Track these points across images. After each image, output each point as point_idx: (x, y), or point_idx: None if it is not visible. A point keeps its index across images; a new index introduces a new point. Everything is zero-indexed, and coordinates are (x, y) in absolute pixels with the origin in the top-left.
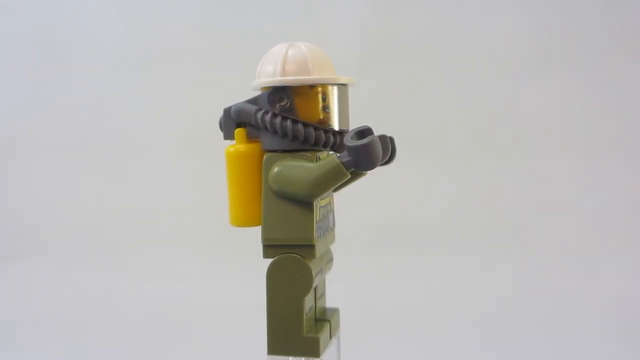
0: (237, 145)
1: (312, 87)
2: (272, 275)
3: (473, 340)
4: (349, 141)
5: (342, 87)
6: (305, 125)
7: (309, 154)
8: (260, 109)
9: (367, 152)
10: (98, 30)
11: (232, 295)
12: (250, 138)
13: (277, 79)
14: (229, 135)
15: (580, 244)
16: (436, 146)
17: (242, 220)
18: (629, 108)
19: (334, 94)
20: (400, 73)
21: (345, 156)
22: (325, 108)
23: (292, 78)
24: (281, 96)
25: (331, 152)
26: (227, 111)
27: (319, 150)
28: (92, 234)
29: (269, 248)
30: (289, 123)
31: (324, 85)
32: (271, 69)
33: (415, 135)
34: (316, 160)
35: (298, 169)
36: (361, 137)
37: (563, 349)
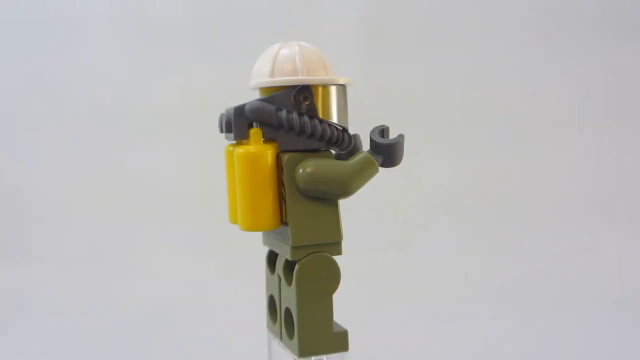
0: (252, 146)
1: (325, 86)
2: (303, 276)
3: (469, 319)
4: (378, 139)
5: (341, 86)
6: (329, 124)
7: (328, 153)
8: (280, 109)
9: (396, 151)
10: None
11: (233, 296)
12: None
13: (300, 78)
14: (241, 135)
15: (575, 221)
16: (429, 140)
17: (257, 224)
18: (623, 89)
19: (334, 93)
20: (389, 68)
21: (374, 153)
22: (329, 107)
23: (320, 77)
24: (306, 95)
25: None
26: (239, 110)
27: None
28: (92, 233)
29: (298, 249)
30: (317, 122)
31: (328, 85)
32: (290, 68)
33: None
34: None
35: (336, 167)
36: (382, 136)
37: (568, 324)
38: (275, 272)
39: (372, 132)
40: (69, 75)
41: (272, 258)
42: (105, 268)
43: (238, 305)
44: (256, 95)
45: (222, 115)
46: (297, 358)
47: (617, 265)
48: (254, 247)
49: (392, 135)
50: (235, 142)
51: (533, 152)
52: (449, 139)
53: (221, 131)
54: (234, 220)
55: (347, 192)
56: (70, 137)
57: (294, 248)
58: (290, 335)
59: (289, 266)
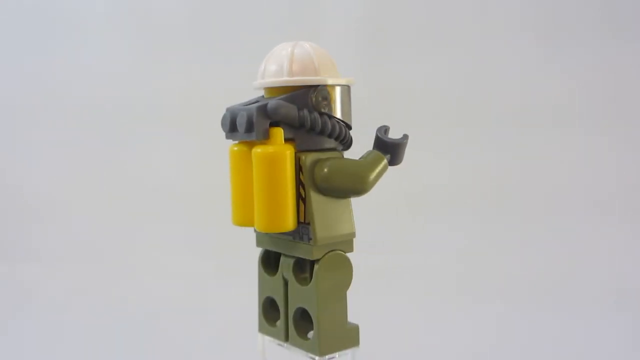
0: (273, 146)
1: (336, 86)
2: (324, 274)
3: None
4: (387, 138)
5: (347, 85)
6: (343, 124)
7: (339, 152)
8: (301, 108)
9: (402, 150)
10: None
11: (233, 296)
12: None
13: (322, 78)
14: (263, 135)
15: (576, 219)
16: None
17: (278, 225)
18: (623, 89)
19: (343, 92)
20: (389, 68)
21: (382, 152)
22: (340, 106)
23: (337, 78)
24: (324, 95)
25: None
26: (261, 109)
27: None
28: (92, 233)
29: (319, 248)
30: (335, 122)
31: (337, 85)
32: (309, 68)
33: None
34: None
35: (354, 166)
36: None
37: (570, 323)
38: (279, 273)
39: (379, 131)
40: (68, 75)
41: (269, 259)
42: (105, 268)
43: (238, 305)
44: (256, 95)
45: (226, 115)
46: (313, 357)
47: (618, 264)
48: (254, 247)
49: (391, 134)
50: (237, 141)
51: (533, 151)
52: (449, 139)
53: (230, 131)
54: (238, 222)
55: (364, 189)
56: (70, 137)
57: (317, 247)
58: (303, 335)
59: (301, 266)
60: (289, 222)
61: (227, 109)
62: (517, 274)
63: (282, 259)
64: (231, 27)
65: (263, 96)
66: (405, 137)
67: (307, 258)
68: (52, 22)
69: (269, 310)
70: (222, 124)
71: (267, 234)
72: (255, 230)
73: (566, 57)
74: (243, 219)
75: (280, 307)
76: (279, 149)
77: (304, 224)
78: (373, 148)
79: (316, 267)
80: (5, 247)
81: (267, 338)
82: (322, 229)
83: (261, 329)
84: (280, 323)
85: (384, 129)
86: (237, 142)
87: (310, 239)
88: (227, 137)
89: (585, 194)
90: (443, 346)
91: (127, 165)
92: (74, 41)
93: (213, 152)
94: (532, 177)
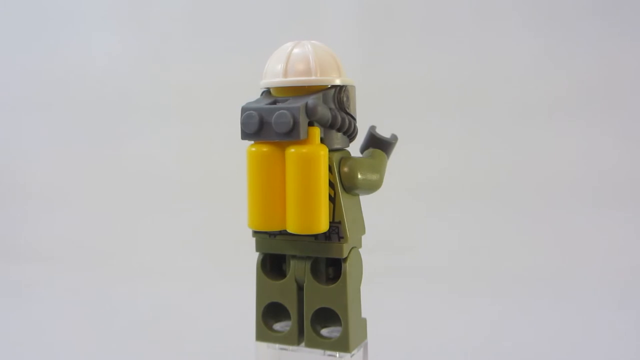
0: (311, 146)
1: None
2: (351, 271)
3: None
4: (384, 137)
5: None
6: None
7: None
8: (331, 108)
9: (393, 148)
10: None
11: (234, 298)
12: None
13: (346, 79)
14: (304, 135)
15: (577, 211)
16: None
17: (318, 226)
18: (622, 81)
19: (352, 91)
20: (388, 67)
21: (379, 149)
22: (354, 105)
23: (350, 78)
24: (347, 95)
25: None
26: (303, 109)
27: None
28: (92, 232)
29: (347, 246)
30: (354, 121)
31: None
32: (332, 68)
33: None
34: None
35: (372, 165)
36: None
37: (572, 314)
38: (290, 276)
39: (373, 129)
40: (68, 73)
41: (271, 263)
42: (105, 268)
43: (240, 307)
44: (257, 93)
45: (253, 114)
46: (334, 355)
47: (618, 258)
48: (252, 251)
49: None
50: (253, 142)
51: (534, 147)
52: (449, 136)
53: (257, 131)
54: (259, 226)
55: (378, 187)
56: (69, 136)
57: (346, 245)
58: (319, 335)
59: (318, 266)
60: (325, 223)
61: (248, 109)
62: (518, 268)
63: (293, 262)
64: (230, 26)
65: (270, 94)
66: (395, 137)
67: (337, 257)
68: (52, 20)
69: (270, 316)
70: (247, 124)
71: (275, 237)
72: (254, 234)
73: (565, 50)
74: (266, 223)
75: (291, 311)
76: (317, 149)
77: (333, 223)
78: (369, 146)
79: (345, 265)
80: (5, 247)
81: (265, 345)
82: (351, 227)
83: (260, 337)
84: (289, 327)
85: (375, 128)
86: (254, 142)
87: (342, 237)
88: (247, 138)
89: (586, 188)
90: (444, 341)
91: (128, 166)
92: (74, 37)
93: (214, 152)
94: (533, 174)
